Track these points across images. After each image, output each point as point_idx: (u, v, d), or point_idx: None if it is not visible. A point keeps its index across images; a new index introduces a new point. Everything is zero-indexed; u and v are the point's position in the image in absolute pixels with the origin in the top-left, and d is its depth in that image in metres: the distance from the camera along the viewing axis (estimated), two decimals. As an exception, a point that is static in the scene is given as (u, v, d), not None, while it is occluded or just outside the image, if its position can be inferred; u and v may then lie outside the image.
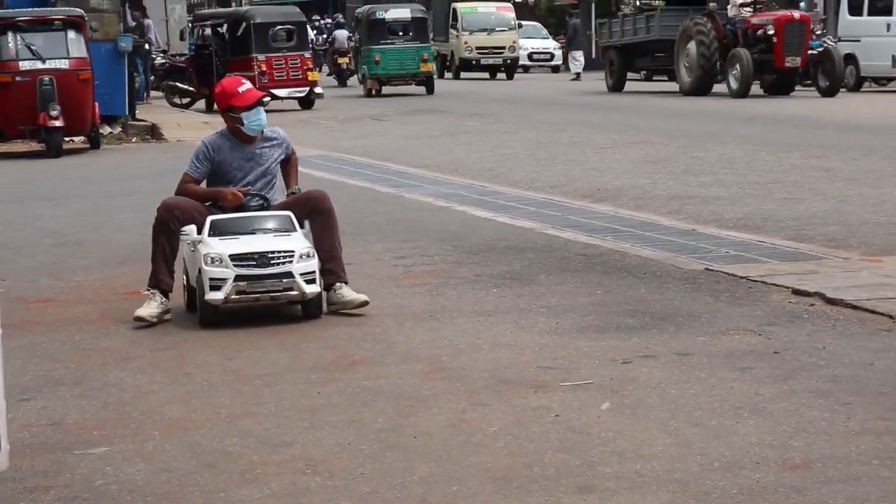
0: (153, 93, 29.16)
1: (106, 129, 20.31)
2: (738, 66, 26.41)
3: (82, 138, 19.35)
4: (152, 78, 29.33)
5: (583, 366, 5.91)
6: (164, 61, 29.96)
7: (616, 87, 31.97)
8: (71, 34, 18.43)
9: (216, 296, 6.85)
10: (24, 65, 18.01)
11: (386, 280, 8.08)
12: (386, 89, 31.95)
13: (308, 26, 31.84)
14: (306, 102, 26.94)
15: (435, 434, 4.96)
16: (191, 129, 22.07)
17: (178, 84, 28.44)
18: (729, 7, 27.73)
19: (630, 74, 32.72)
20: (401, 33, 31.89)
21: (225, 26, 27.93)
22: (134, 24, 25.45)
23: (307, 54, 27.71)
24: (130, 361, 6.30)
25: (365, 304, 7.12)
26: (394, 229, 10.19)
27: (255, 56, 26.70)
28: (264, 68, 26.73)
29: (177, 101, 28.29)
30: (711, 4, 28.12)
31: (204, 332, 6.91)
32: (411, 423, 5.11)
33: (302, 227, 7.13)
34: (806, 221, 10.02)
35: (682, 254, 8.64)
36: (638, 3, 32.96)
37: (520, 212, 10.99)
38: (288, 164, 7.61)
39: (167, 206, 7.27)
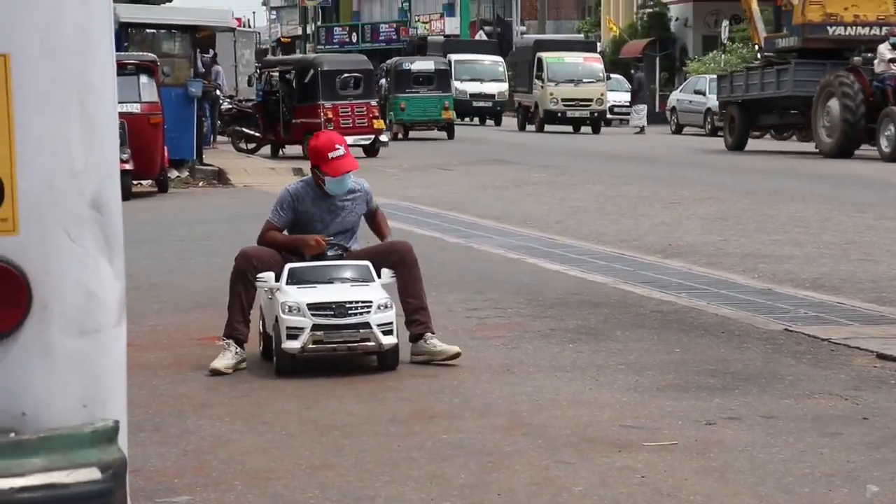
0: (219, 138, 29.38)
1: (174, 173, 20.47)
2: (891, 127, 24.12)
3: (151, 182, 19.50)
4: (219, 123, 29.57)
5: (666, 426, 5.82)
6: (231, 106, 30.22)
7: (737, 145, 29.81)
8: (143, 78, 18.64)
9: (293, 345, 6.83)
10: (97, 107, 18.19)
11: (460, 332, 8.02)
12: (412, 133, 35.20)
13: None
14: (371, 150, 27.04)
15: (519, 492, 4.89)
16: (257, 174, 22.22)
17: (244, 129, 28.66)
18: (876, 62, 25.23)
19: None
20: (424, 83, 34.67)
21: (293, 73, 28.14)
22: (204, 69, 25.68)
23: (373, 102, 27.86)
24: (208, 409, 6.28)
25: (457, 355, 7.09)
26: (465, 280, 10.15)
27: (322, 103, 26.87)
28: (330, 115, 26.89)
29: (243, 146, 28.50)
30: (856, 59, 25.82)
31: (279, 380, 6.88)
32: (494, 480, 5.04)
33: (379, 276, 7.10)
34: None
35: (759, 313, 8.53)
36: (759, 56, 30.93)
37: (591, 265, 10.92)
38: (374, 218, 7.61)
39: (245, 255, 7.24)
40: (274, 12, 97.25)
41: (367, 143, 27.22)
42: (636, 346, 7.55)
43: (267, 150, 28.33)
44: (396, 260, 7.22)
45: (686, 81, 43.86)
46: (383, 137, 27.43)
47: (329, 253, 7.24)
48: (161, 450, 5.57)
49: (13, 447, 1.73)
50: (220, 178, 21.24)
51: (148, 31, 21.71)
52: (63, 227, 1.89)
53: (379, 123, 27.65)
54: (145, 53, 19.54)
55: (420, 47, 73.48)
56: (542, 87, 40.54)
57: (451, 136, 34.43)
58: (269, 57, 43.65)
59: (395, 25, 75.43)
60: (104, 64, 1.97)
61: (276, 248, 7.32)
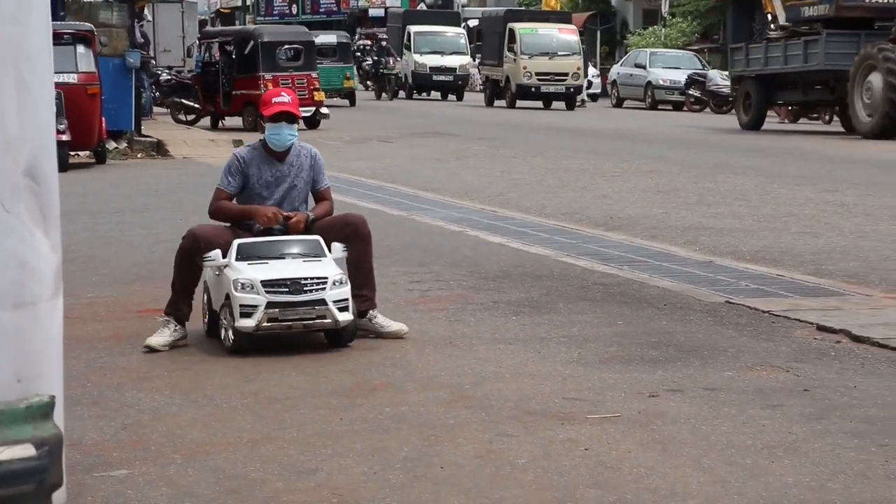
0: (157, 109, 29.07)
1: (112, 145, 20.23)
2: None
3: (88, 153, 19.27)
4: (157, 94, 29.26)
5: (609, 398, 5.82)
6: (169, 77, 29.91)
7: (753, 124, 27.07)
8: (80, 48, 18.39)
9: (247, 323, 6.64)
10: (33, 77, 17.94)
11: (402, 305, 7.98)
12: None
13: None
14: (312, 122, 26.87)
15: (463, 465, 4.86)
16: (196, 146, 22.02)
17: (184, 101, 28.38)
18: None
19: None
20: (328, 55, 36.03)
21: (233, 44, 27.89)
22: (142, 39, 25.37)
23: (314, 74, 27.66)
24: (147, 381, 6.20)
25: (404, 333, 7.03)
26: (407, 253, 10.10)
27: (262, 74, 26.65)
28: (271, 87, 26.63)
29: (182, 117, 28.23)
30: None
31: (220, 354, 6.81)
32: (437, 453, 5.01)
33: (331, 250, 6.93)
34: None
35: (701, 286, 8.56)
36: (772, 27, 27.65)
37: (533, 238, 10.90)
38: (318, 198, 7.37)
39: (193, 235, 7.03)
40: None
41: (308, 115, 27.02)
42: (579, 319, 7.54)
43: (207, 121, 28.08)
44: (350, 233, 7.10)
45: (627, 55, 43.93)
46: (324, 110, 27.26)
47: (275, 227, 7.08)
48: (99, 423, 5.49)
49: (-57, 424, 1.68)
50: (159, 149, 21.03)
51: (85, 0, 21.40)
52: (-3, 196, 1.83)
53: (319, 96, 27.45)
54: (82, 23, 19.27)
55: (360, 19, 73.14)
56: (514, 59, 37.80)
57: (352, 103, 36.50)
58: (209, 28, 43.18)
59: (335, -3, 74.94)
60: (40, 31, 1.91)
61: (229, 219, 7.18)
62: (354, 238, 7.09)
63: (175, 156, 20.43)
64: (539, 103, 38.01)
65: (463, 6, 57.48)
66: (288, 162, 7.23)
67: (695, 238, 10.95)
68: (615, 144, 21.84)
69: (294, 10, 75.10)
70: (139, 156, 20.50)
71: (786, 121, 29.58)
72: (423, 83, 43.43)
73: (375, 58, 42.02)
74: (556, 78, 37.32)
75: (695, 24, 47.88)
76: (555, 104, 37.66)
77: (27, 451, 1.76)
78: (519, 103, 37.83)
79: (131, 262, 9.81)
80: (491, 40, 41.04)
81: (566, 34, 38.86)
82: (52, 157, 1.91)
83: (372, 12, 71.61)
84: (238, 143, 22.37)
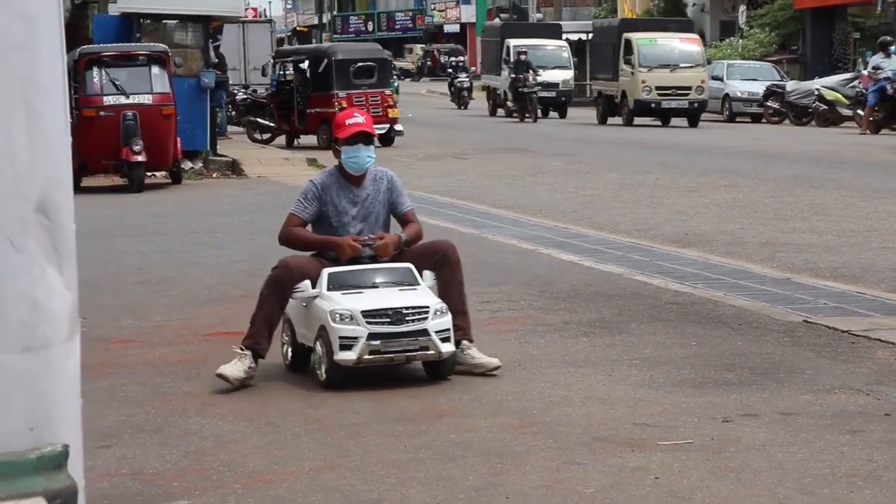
0: (232, 128, 29.24)
1: (187, 165, 20.33)
2: None
3: (164, 173, 19.38)
4: (233, 113, 29.43)
5: (681, 423, 5.64)
6: (245, 97, 30.08)
7: None
8: (155, 69, 18.50)
9: (348, 356, 6.28)
10: (109, 100, 18.08)
11: (472, 326, 7.83)
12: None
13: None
14: (386, 140, 26.85)
15: (529, 495, 4.72)
16: (271, 164, 22.07)
17: (259, 120, 28.52)
18: None
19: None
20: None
21: (307, 62, 27.97)
22: (217, 60, 25.53)
23: (388, 91, 27.64)
24: (211, 408, 6.12)
25: (497, 368, 6.61)
26: (478, 272, 9.95)
27: (336, 92, 26.70)
28: (345, 105, 26.65)
29: (257, 136, 28.36)
30: None
31: (285, 378, 6.72)
32: (503, 482, 4.87)
33: (422, 278, 6.64)
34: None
35: (778, 304, 8.33)
36: None
37: (606, 256, 10.73)
38: (403, 222, 6.98)
39: (287, 266, 6.61)
40: (290, 1, 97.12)
41: (383, 132, 26.99)
42: (651, 340, 7.36)
43: (282, 140, 28.18)
44: (439, 260, 6.76)
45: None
46: (398, 126, 27.23)
47: (364, 255, 6.71)
48: (162, 451, 5.41)
49: (-50, 476, 1.58)
50: (234, 168, 21.10)
51: (160, 21, 21.54)
52: (5, 233, 1.72)
53: (394, 112, 27.43)
54: (157, 44, 19.38)
55: (436, 35, 73.27)
56: (631, 73, 34.09)
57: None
58: (284, 47, 43.44)
59: (410, 14, 75.31)
60: (51, 58, 1.81)
61: (302, 247, 6.88)
62: (444, 265, 6.75)
63: (250, 175, 20.48)
64: (658, 121, 34.21)
65: (538, 20, 57.20)
66: (365, 186, 6.89)
67: (772, 254, 10.71)
68: (691, 158, 21.56)
69: (370, 28, 75.52)
70: (214, 175, 20.58)
71: (867, 132, 29.02)
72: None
73: (513, 74, 36.21)
74: (679, 92, 33.61)
75: (773, 34, 47.33)
76: (674, 121, 34.02)
77: (38, 505, 1.66)
78: (636, 121, 34.11)
79: (202, 284, 9.77)
80: (603, 52, 37.76)
81: (688, 44, 35.15)
82: (66, 190, 1.81)
83: (447, 28, 71.81)
84: (312, 161, 22.43)
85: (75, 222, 1.93)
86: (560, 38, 42.27)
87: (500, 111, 38.71)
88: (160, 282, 9.97)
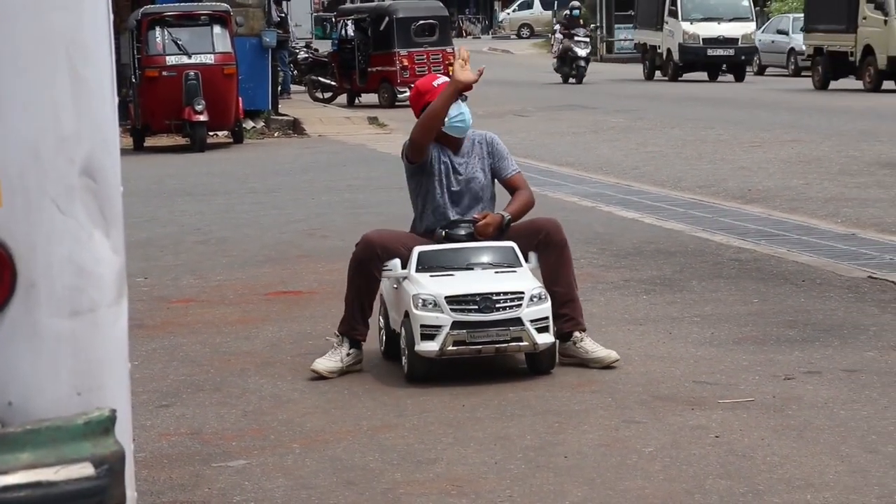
0: (294, 87, 29.28)
1: (249, 124, 20.39)
2: None
3: (226, 133, 19.44)
4: (295, 72, 29.46)
5: (742, 381, 5.59)
6: (307, 56, 30.08)
7: None
8: (217, 29, 18.53)
9: (430, 347, 5.63)
10: (171, 59, 18.13)
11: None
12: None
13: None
14: (448, 97, 26.73)
15: (587, 454, 4.69)
16: (332, 123, 22.08)
17: (320, 78, 28.52)
18: None
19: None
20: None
21: (368, 21, 27.93)
22: (279, 19, 25.54)
23: (449, 49, 27.54)
24: (270, 367, 6.14)
25: (616, 361, 5.90)
26: (538, 230, 9.91)
27: (397, 51, 26.64)
28: (406, 63, 26.66)
29: (319, 95, 28.38)
30: None
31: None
32: (561, 441, 4.85)
33: (527, 260, 5.96)
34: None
35: (842, 260, 8.23)
36: None
37: (667, 213, 10.64)
38: (511, 187, 6.26)
39: (368, 242, 5.97)
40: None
41: (444, 90, 26.91)
42: (712, 297, 7.30)
43: (343, 99, 28.18)
44: (541, 240, 6.00)
45: (769, 21, 42.96)
46: (459, 85, 27.08)
47: (461, 233, 6.04)
48: (221, 411, 5.44)
49: (-4, 441, 1.58)
50: (294, 128, 21.12)
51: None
52: (51, 197, 1.71)
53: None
54: (219, 3, 19.39)
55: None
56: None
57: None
58: (346, 5, 43.36)
59: (473, -31, 74.71)
60: (95, 19, 1.79)
61: (434, 119, 5.97)
62: (548, 246, 5.99)
63: (311, 134, 20.51)
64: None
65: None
66: (463, 152, 6.18)
67: (836, 210, 10.57)
68: (755, 114, 21.31)
69: (432, -15, 75.01)
70: (276, 135, 20.62)
71: None
72: (693, 59, 33.40)
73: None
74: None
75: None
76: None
77: (85, 470, 1.66)
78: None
79: (261, 243, 9.79)
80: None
81: None
82: (112, 152, 1.80)
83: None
84: (373, 119, 22.41)
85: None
86: None
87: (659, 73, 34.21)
88: (220, 241, 10.01)
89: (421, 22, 27.29)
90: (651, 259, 8.55)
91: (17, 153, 1.68)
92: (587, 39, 32.39)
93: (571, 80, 32.06)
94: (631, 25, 44.39)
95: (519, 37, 57.83)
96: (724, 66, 33.36)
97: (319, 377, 5.84)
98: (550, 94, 29.03)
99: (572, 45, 31.91)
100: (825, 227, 9.68)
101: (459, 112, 6.06)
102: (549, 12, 53.09)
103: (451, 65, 27.27)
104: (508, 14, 61.70)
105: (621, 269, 8.24)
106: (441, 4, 30.03)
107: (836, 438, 4.76)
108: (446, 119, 6.05)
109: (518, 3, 64.39)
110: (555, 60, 33.34)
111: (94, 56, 1.78)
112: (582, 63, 31.95)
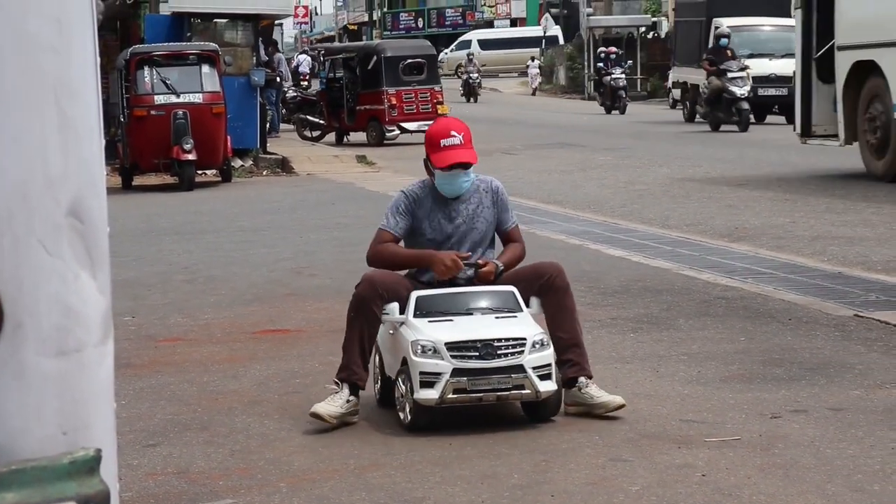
0: (284, 126, 29.37)
1: (238, 163, 20.43)
2: None
3: (214, 171, 19.48)
4: (283, 111, 29.54)
5: (728, 420, 5.60)
6: (295, 94, 30.19)
7: None
8: (205, 68, 18.60)
9: (429, 395, 5.48)
10: (159, 99, 18.19)
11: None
12: None
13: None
14: (436, 136, 26.84)
15: (574, 493, 4.70)
16: (320, 162, 22.13)
17: (308, 117, 28.62)
18: None
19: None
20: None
21: (356, 59, 28.06)
22: (267, 58, 25.63)
23: (437, 87, 27.67)
24: (258, 406, 6.14)
25: (621, 407, 5.72)
26: (526, 268, 9.93)
27: (386, 89, 26.77)
28: (394, 101, 26.80)
29: (307, 134, 28.47)
30: None
31: (334, 373, 6.72)
32: (548, 480, 4.86)
33: (528, 305, 5.83)
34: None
35: (828, 298, 8.26)
36: None
37: (655, 251, 10.68)
38: (508, 239, 6.15)
39: (371, 281, 5.78)
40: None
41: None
42: (699, 335, 7.32)
43: (332, 137, 28.27)
44: (543, 284, 5.86)
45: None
46: (448, 122, 27.20)
47: (460, 276, 5.91)
48: (208, 450, 5.44)
49: (-19, 481, 1.59)
50: (283, 166, 21.18)
51: (210, 20, 21.66)
52: (38, 238, 1.72)
53: (443, 109, 27.44)
54: (207, 43, 19.48)
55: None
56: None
57: None
58: (333, 44, 43.54)
59: (460, 10, 75.25)
60: (84, 61, 1.81)
61: (395, 265, 5.99)
62: (549, 291, 5.85)
63: (299, 172, 20.56)
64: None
65: (589, 15, 56.93)
66: (465, 199, 6.01)
67: (823, 248, 10.61)
68: (743, 151, 21.41)
69: (420, 24, 75.51)
70: (264, 173, 20.67)
71: None
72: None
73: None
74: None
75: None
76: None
77: (70, 509, 1.67)
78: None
79: (249, 282, 9.80)
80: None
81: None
82: (99, 193, 1.82)
83: (497, 24, 71.71)
84: (361, 158, 22.47)
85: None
86: (789, 15, 27.88)
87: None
88: (208, 280, 10.02)
89: (409, 61, 27.45)
90: (638, 297, 8.57)
91: (5, 193, 1.69)
92: (744, 75, 26.72)
93: (733, 127, 26.59)
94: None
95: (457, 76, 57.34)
96: (776, 106, 29.82)
97: (318, 418, 5.65)
98: (540, 132, 29.08)
99: (726, 83, 26.51)
100: (812, 265, 9.72)
101: (449, 182, 5.94)
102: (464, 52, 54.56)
103: (439, 103, 27.54)
104: (447, 53, 61.83)
105: (609, 307, 8.27)
106: (428, 43, 30.23)
107: (822, 477, 4.77)
108: (437, 181, 5.96)
109: (456, 43, 64.67)
110: (700, 106, 28.45)
111: (82, 97, 1.79)
112: (744, 106, 26.51)
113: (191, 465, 5.23)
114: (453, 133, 5.97)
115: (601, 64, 37.76)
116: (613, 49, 37.92)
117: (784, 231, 11.78)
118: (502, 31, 68.97)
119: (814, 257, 10.13)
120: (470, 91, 45.84)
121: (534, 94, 52.43)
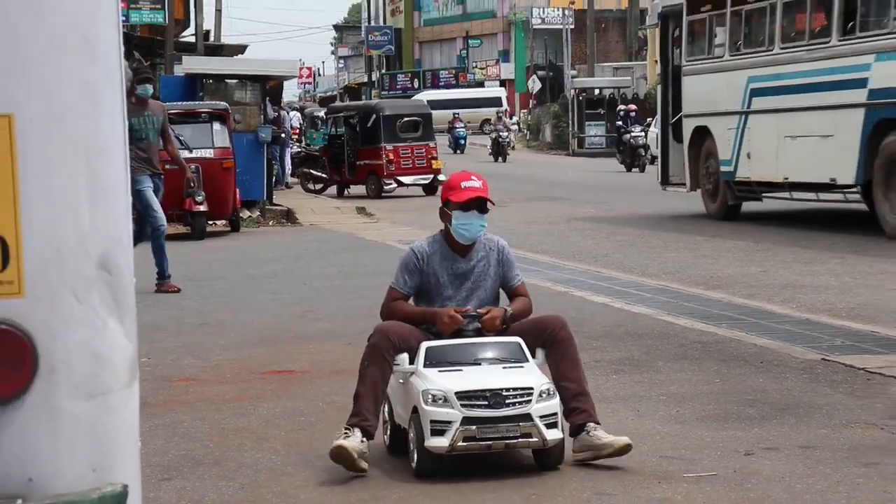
0: (290, 179, 29.44)
1: (245, 214, 20.46)
2: None
3: (224, 222, 19.51)
4: (289, 166, 29.64)
5: (705, 456, 5.60)
6: (299, 150, 30.30)
7: None
8: (216, 126, 18.67)
9: (439, 442, 5.32)
10: (174, 154, 18.19)
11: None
12: None
13: None
14: (430, 189, 26.99)
15: (561, 525, 4.69)
16: (323, 213, 22.18)
17: (312, 171, 28.71)
18: None
19: None
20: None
21: (356, 118, 28.20)
22: (273, 115, 25.73)
23: (432, 144, 27.80)
24: (266, 442, 6.13)
25: (628, 447, 5.54)
26: (515, 314, 9.94)
27: (384, 145, 26.90)
28: (392, 157, 26.92)
29: (311, 186, 28.55)
30: None
31: (337, 411, 6.72)
32: (537, 513, 4.85)
33: (534, 356, 5.69)
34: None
35: (797, 343, 8.28)
36: None
37: (635, 297, 10.69)
38: (514, 295, 6.00)
39: (384, 331, 5.65)
40: (342, 61, 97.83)
41: (427, 182, 27.24)
42: (678, 377, 7.33)
43: (333, 190, 28.36)
44: (547, 338, 5.72)
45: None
46: (441, 177, 27.33)
47: (468, 327, 5.75)
48: (219, 484, 5.43)
49: (20, 514, 1.60)
50: (288, 217, 21.21)
51: (221, 81, 21.75)
52: (70, 288, 1.75)
53: (438, 164, 27.60)
54: (218, 102, 19.56)
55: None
56: None
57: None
58: (335, 104, 43.70)
59: (453, 72, 75.59)
60: (113, 125, 1.85)
61: (405, 321, 5.80)
62: (553, 343, 5.72)
63: (303, 223, 20.59)
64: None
65: (573, 77, 57.16)
66: (472, 257, 5.87)
67: (792, 296, 10.64)
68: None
69: (415, 84, 75.84)
70: (270, 223, 20.69)
71: None
72: None
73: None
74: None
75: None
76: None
77: (98, 541, 1.69)
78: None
79: (257, 326, 9.80)
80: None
81: None
82: (125, 247, 1.84)
83: (487, 84, 72.05)
84: (361, 209, 22.53)
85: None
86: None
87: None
88: (218, 324, 10.02)
89: (406, 119, 27.63)
90: (620, 341, 8.58)
91: (41, 248, 1.72)
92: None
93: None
94: (600, 122, 44.62)
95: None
96: None
97: (343, 453, 5.41)
98: (526, 187, 29.16)
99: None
100: (781, 311, 9.74)
101: (467, 222, 5.80)
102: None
103: (434, 158, 27.64)
104: None
105: (592, 350, 8.27)
106: (424, 102, 30.44)
107: (792, 510, 4.77)
108: (454, 222, 5.81)
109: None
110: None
111: (111, 158, 1.83)
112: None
113: (203, 498, 5.22)
114: (474, 178, 5.92)
115: (620, 122, 36.04)
116: (633, 107, 36.31)
117: (755, 280, 11.81)
118: (453, 93, 66.19)
119: (783, 304, 10.16)
120: (499, 150, 40.28)
121: (511, 149, 45.56)
